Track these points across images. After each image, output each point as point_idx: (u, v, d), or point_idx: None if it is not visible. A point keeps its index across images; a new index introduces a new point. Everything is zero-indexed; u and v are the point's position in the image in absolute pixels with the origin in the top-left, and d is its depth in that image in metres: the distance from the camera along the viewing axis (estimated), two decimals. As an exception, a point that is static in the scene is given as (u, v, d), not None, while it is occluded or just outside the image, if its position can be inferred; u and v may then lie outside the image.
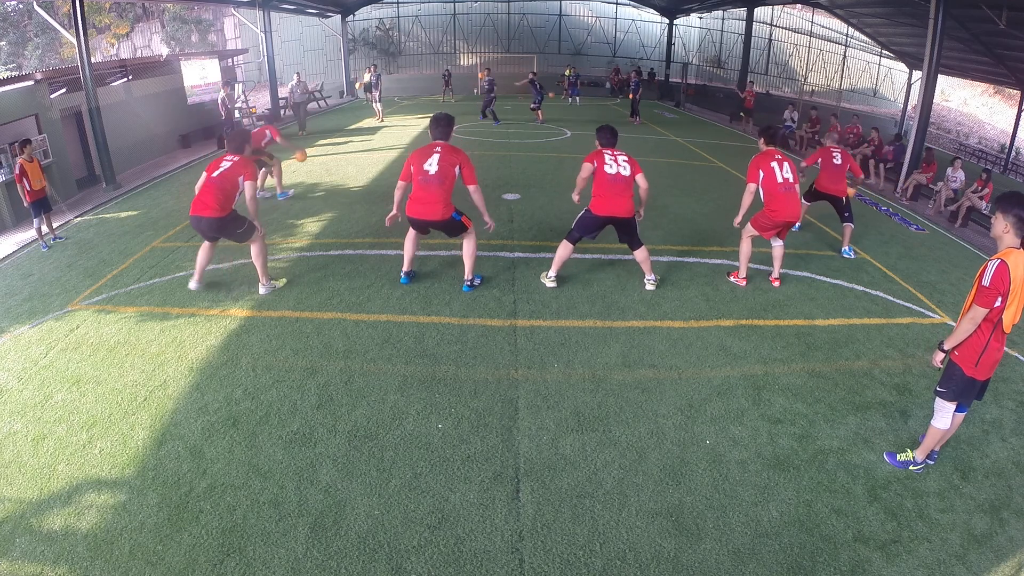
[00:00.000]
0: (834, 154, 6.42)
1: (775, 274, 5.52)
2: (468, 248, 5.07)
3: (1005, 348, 4.53)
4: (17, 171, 6.20)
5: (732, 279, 5.52)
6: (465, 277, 5.16)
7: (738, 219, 5.30)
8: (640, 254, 5.18)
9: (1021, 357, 4.49)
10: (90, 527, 2.76)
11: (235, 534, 2.73)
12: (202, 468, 3.13)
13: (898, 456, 3.31)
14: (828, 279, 5.68)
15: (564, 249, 5.18)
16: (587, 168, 4.96)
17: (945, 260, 6.61)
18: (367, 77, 18.09)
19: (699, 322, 4.74)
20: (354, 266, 5.67)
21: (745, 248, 5.40)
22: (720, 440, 3.41)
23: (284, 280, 5.31)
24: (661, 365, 4.13)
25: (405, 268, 5.29)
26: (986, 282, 2.89)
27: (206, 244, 5.03)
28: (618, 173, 4.87)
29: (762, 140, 5.38)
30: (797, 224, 6.71)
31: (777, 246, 5.43)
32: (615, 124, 5.29)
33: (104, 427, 3.44)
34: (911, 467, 3.26)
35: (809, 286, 5.49)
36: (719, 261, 5.98)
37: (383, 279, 5.35)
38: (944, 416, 3.14)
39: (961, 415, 3.24)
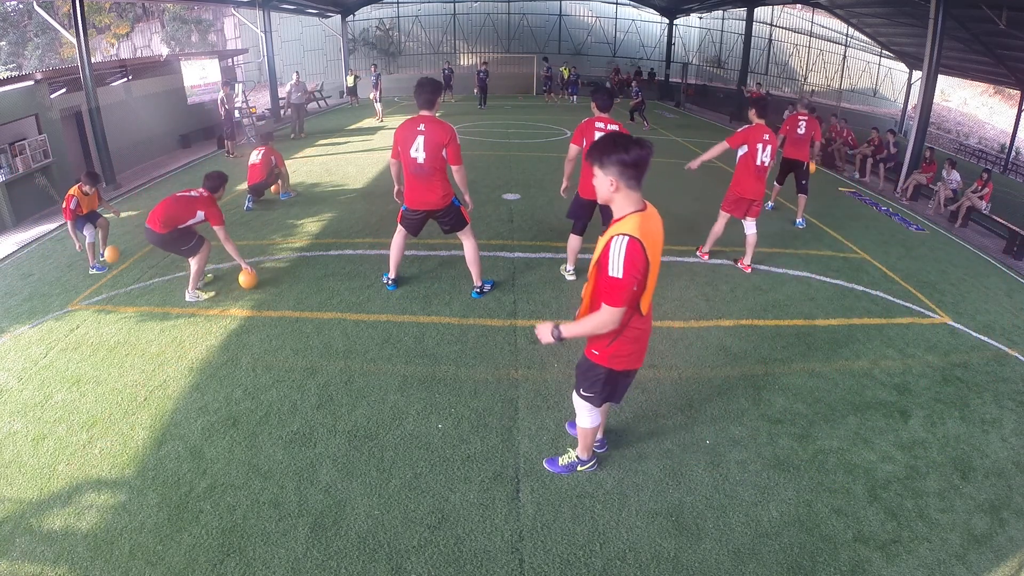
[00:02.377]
0: (800, 122, 7.08)
1: (747, 260, 5.73)
2: (470, 252, 4.82)
3: (1006, 350, 4.58)
4: (71, 205, 5.38)
5: (698, 253, 6.02)
6: (474, 284, 5.01)
7: (695, 164, 5.46)
8: None
9: (1021, 357, 4.49)
10: (90, 527, 2.76)
11: (235, 534, 2.73)
12: (202, 468, 3.13)
13: (560, 461, 3.10)
14: (828, 279, 5.68)
15: (572, 241, 5.17)
16: (573, 151, 4.79)
17: (945, 260, 6.61)
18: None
19: (699, 322, 4.74)
20: (354, 266, 5.67)
21: (717, 228, 5.75)
22: (720, 440, 3.41)
23: (212, 293, 5.10)
24: (661, 365, 4.13)
25: (392, 275, 5.11)
26: (616, 273, 2.20)
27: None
28: None
29: (754, 112, 5.32)
30: (770, 204, 7.70)
31: (751, 233, 5.59)
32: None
33: (104, 427, 3.44)
34: (580, 467, 3.07)
35: (809, 286, 5.49)
36: (719, 261, 5.98)
37: (383, 279, 5.34)
38: (589, 415, 2.80)
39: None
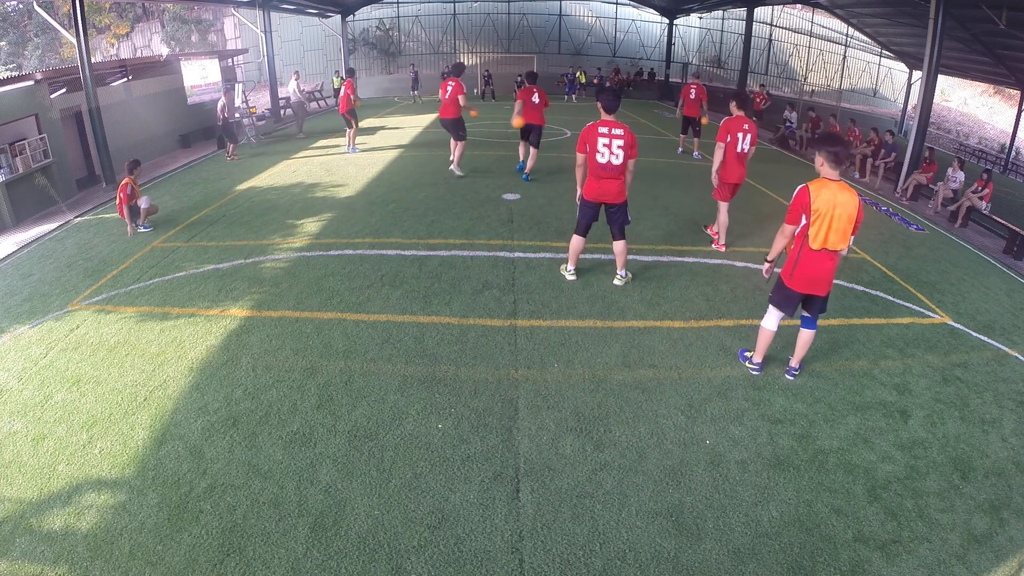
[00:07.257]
0: (691, 89, 10.45)
1: (715, 229, 6.42)
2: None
3: (1006, 350, 4.58)
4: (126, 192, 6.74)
5: (714, 246, 6.31)
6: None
7: (713, 174, 5.94)
8: (618, 246, 5.15)
9: (1021, 357, 4.49)
10: (90, 527, 2.76)
11: (235, 534, 2.73)
12: (202, 468, 3.13)
13: (746, 352, 4.09)
14: (828, 279, 5.67)
15: (574, 241, 5.18)
16: (580, 159, 4.80)
17: (945, 260, 6.61)
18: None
19: (699, 322, 4.74)
20: (354, 266, 5.67)
21: (722, 218, 6.16)
22: (720, 440, 3.41)
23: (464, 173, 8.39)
24: (661, 365, 4.13)
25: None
26: (791, 202, 3.51)
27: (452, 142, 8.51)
28: (609, 162, 4.71)
29: (734, 104, 5.80)
30: (696, 154, 11.02)
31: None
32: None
33: (104, 427, 3.44)
34: (747, 364, 4.02)
35: (809, 286, 5.48)
36: (719, 261, 5.98)
37: (383, 279, 5.34)
38: (769, 317, 3.84)
39: (808, 331, 3.86)
